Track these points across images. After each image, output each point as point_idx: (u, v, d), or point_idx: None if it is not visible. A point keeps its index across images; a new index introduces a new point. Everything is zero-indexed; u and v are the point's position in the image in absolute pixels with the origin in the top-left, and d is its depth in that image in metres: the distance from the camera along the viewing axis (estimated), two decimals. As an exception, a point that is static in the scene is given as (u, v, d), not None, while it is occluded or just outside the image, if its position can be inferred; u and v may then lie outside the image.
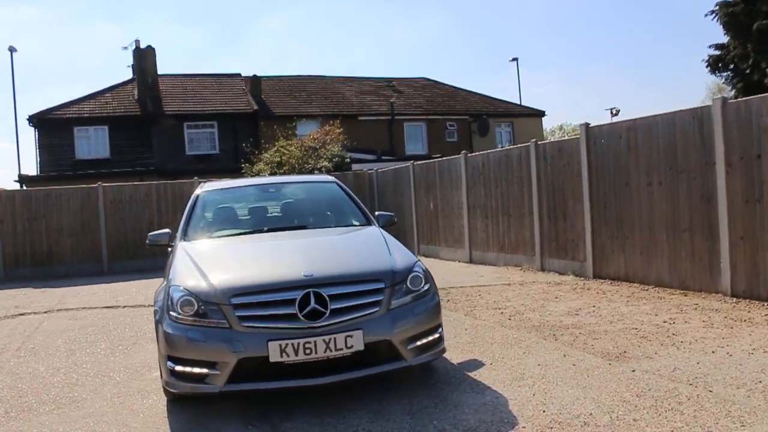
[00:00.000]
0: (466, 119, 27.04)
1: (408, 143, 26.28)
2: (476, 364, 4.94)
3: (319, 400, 4.30)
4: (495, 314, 6.70)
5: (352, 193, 6.24)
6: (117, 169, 22.42)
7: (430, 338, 4.42)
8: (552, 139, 9.38)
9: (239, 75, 27.57)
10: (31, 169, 25.30)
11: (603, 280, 8.19)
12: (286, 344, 3.98)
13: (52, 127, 23.09)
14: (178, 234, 5.56)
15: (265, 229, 5.61)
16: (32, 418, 4.48)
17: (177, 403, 4.52)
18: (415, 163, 13.24)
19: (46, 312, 9.09)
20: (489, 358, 5.09)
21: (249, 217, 5.98)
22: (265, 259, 4.76)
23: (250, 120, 24.45)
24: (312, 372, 4.09)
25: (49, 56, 78.17)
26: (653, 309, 6.40)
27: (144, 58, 24.24)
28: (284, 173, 16.01)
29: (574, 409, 3.84)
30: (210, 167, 23.00)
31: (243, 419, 4.13)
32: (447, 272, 10.22)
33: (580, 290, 7.76)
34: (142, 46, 24.35)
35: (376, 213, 6.04)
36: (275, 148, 17.35)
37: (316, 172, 15.57)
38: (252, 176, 16.80)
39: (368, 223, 5.73)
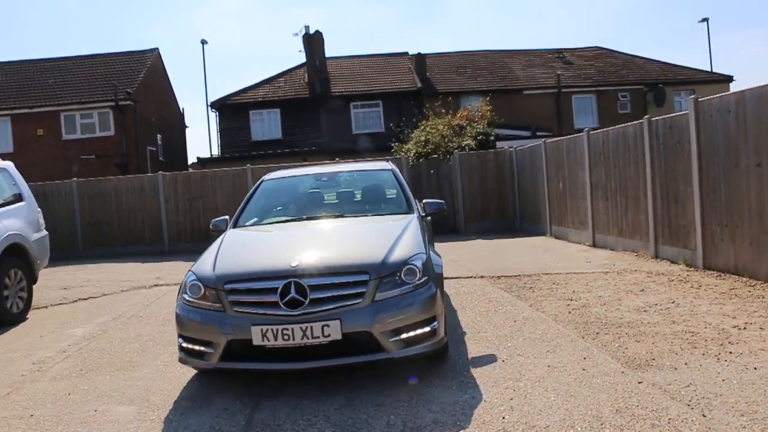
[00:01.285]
0: (640, 89, 24.97)
1: (577, 117, 24.94)
2: (488, 360, 4.74)
3: (312, 385, 4.45)
4: (560, 306, 6.30)
5: (404, 181, 6.21)
6: (288, 149, 24.08)
7: (419, 331, 4.34)
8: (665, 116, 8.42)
9: (406, 53, 28.02)
10: (213, 151, 28.01)
11: (711, 272, 7.27)
12: (267, 329, 4.18)
13: (231, 111, 25.37)
14: (231, 221, 5.99)
15: (304, 217, 5.83)
16: (93, 377, 5.17)
17: (202, 374, 4.92)
18: (546, 140, 12.63)
19: (176, 284, 10.21)
20: (508, 354, 4.85)
21: (295, 205, 6.23)
22: (272, 248, 5.00)
23: (414, 98, 24.77)
24: (292, 357, 4.26)
25: (239, 46, 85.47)
26: (736, 310, 5.61)
27: (312, 42, 25.62)
28: (428, 152, 16.12)
29: (536, 419, 3.59)
30: (376, 145, 23.77)
31: (235, 395, 4.43)
32: (559, 257, 9.72)
33: (675, 282, 6.99)
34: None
35: (425, 201, 5.98)
36: (421, 127, 17.52)
37: (456, 151, 15.47)
38: (402, 155, 17.16)
39: (408, 211, 5.70)
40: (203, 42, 31.20)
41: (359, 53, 29.17)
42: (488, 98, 18.89)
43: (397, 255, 4.54)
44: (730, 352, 4.46)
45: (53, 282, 11.01)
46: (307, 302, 4.22)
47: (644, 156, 8.62)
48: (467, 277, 8.40)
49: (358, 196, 6.36)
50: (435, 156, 15.64)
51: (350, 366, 4.39)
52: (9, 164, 8.51)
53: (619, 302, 6.28)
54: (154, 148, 25.41)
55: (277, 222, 5.81)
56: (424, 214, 5.88)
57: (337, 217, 5.79)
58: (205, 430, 3.91)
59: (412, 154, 16.56)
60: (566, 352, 4.78)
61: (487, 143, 16.36)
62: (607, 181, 9.90)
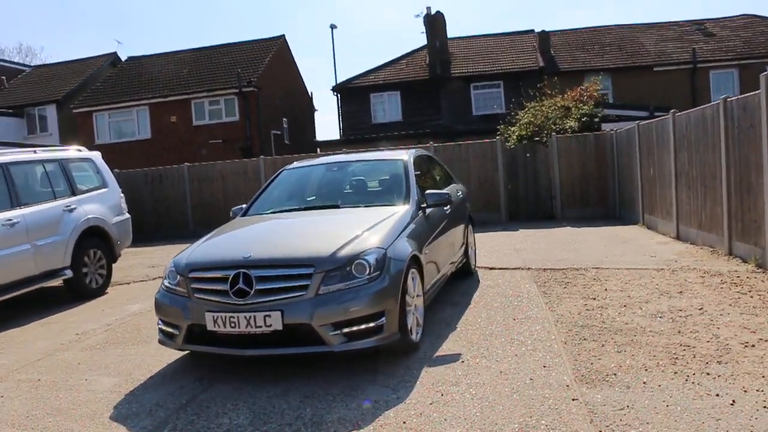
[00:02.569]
0: (795, 60, 22.14)
1: (715, 94, 22.64)
2: (449, 360, 4.60)
3: (266, 373, 4.60)
4: (575, 306, 5.90)
5: (412, 173, 6.09)
6: (408, 131, 24.22)
7: (363, 327, 4.33)
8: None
9: (531, 31, 27.00)
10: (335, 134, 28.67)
11: (778, 275, 6.44)
12: (217, 316, 4.39)
13: (352, 95, 25.94)
14: (243, 210, 6.26)
15: (302, 208, 5.95)
16: (110, 350, 5.71)
17: (191, 354, 5.23)
18: (640, 123, 11.68)
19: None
20: (474, 355, 4.67)
21: (301, 195, 6.36)
22: (239, 239, 5.21)
23: (536, 77, 23.84)
24: (240, 343, 4.43)
25: (368, 29, 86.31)
26: (766, 323, 4.95)
27: (434, 23, 25.44)
28: (530, 134, 15.53)
29: (433, 429, 3.47)
30: (496, 126, 23.24)
31: (199, 375, 4.71)
32: (631, 249, 9.03)
33: (725, 286, 6.25)
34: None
35: (427, 192, 5.85)
36: (526, 109, 16.87)
37: (554, 134, 14.77)
38: (504, 138, 16.69)
39: (404, 203, 5.62)
40: (332, 27, 32.08)
41: (483, 32, 28.52)
42: (596, 78, 17.67)
43: (350, 249, 4.53)
44: (708, 374, 3.97)
45: (148, 260, 12.06)
46: (252, 292, 4.36)
47: (720, 141, 7.74)
48: (513, 269, 8.09)
49: (361, 187, 6.36)
50: (537, 139, 15.04)
51: (297, 356, 4.48)
52: (95, 154, 9.41)
53: (642, 305, 5.77)
54: (279, 132, 26.68)
55: (274, 212, 5.96)
56: (425, 205, 5.76)
57: (332, 207, 5.85)
58: (152, 404, 4.20)
59: (514, 137, 16.05)
60: (533, 358, 4.51)
61: (591, 125, 15.42)
62: (689, 168, 9.01)
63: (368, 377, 4.36)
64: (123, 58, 30.16)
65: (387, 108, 25.82)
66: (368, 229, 4.91)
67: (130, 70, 27.71)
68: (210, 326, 4.44)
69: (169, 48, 31.15)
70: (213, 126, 24.60)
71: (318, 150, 23.59)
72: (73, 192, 8.53)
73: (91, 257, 8.62)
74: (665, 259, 8.02)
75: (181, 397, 4.32)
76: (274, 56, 26.69)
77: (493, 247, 10.16)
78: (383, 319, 4.38)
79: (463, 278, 7.51)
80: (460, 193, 7.66)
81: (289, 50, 29.31)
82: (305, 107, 31.37)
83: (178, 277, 4.76)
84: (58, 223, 8.06)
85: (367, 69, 26.94)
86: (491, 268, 8.25)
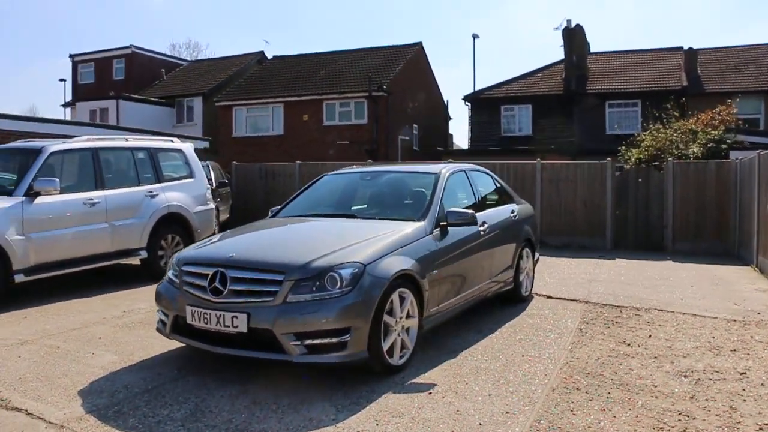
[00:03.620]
0: None
1: None
2: (421, 389, 4.37)
3: (243, 372, 4.64)
4: (600, 352, 5.34)
5: (440, 189, 5.86)
6: (537, 146, 23.46)
7: (326, 340, 4.24)
8: None
9: (680, 48, 25.08)
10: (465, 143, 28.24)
11: None
12: (195, 311, 4.52)
13: (483, 105, 25.54)
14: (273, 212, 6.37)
15: (320, 214, 5.91)
16: (131, 330, 6.06)
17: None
18: (761, 152, 10.38)
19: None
20: (447, 389, 4.38)
21: (328, 202, 6.32)
22: (237, 240, 5.27)
23: (677, 98, 22.15)
24: (212, 340, 4.50)
25: (511, 40, 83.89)
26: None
27: (572, 37, 24.44)
28: (649, 158, 14.44)
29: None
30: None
31: (182, 364, 4.86)
32: (717, 294, 8.03)
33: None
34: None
35: (449, 210, 5.59)
36: (648, 131, 15.67)
37: (671, 159, 13.60)
38: (624, 161, 15.67)
39: (419, 219, 5.43)
40: (474, 36, 31.91)
41: (626, 48, 26.94)
42: (731, 101, 15.89)
43: (326, 261, 4.44)
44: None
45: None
46: (225, 292, 4.41)
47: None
48: (571, 300, 7.52)
49: (383, 198, 6.22)
50: (656, 163, 13.93)
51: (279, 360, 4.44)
52: (187, 146, 10.01)
53: (677, 359, 5.11)
54: (407, 138, 26.90)
55: (296, 216, 5.99)
56: (444, 223, 5.51)
57: (347, 217, 5.79)
58: (121, 386, 4.42)
59: (633, 159, 15.00)
60: (503, 401, 4.15)
61: (718, 152, 13.98)
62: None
63: (327, 392, 4.25)
64: (270, 57, 31.92)
65: (517, 121, 25.17)
66: (360, 242, 4.79)
67: (272, 69, 29.29)
68: (189, 319, 4.56)
69: (312, 49, 32.76)
70: (342, 127, 25.32)
71: (440, 159, 23.45)
72: (158, 179, 9.11)
73: (169, 242, 9.16)
74: (748, 309, 7.07)
75: (149, 383, 4.47)
76: (408, 63, 26.96)
77: (569, 275, 9.53)
78: (348, 335, 4.24)
79: (509, 305, 7.10)
80: (515, 213, 7.24)
81: (426, 58, 29.47)
82: (439, 115, 31.39)
83: (176, 269, 4.91)
84: (138, 207, 8.64)
85: (501, 80, 26.44)
86: (549, 297, 7.73)
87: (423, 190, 5.97)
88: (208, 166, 14.82)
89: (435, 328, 5.64)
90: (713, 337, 5.81)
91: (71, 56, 34.65)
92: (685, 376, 4.68)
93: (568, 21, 24.70)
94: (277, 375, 4.57)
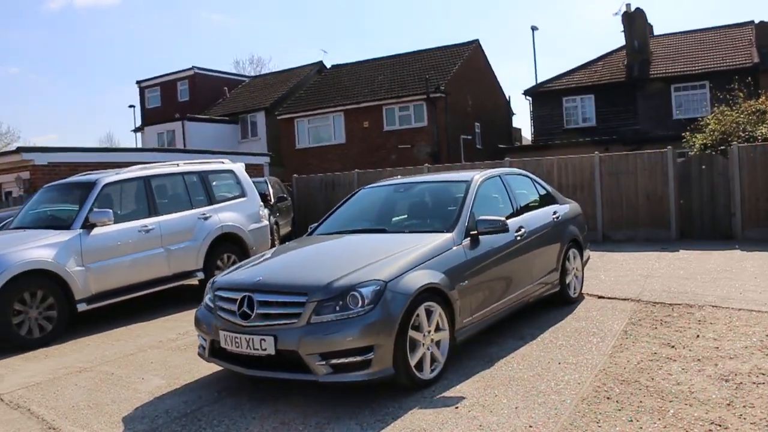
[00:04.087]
0: None
1: None
2: (444, 403, 4.37)
3: (276, 394, 4.79)
4: (641, 355, 5.17)
5: (470, 198, 5.83)
6: (602, 136, 22.85)
7: (349, 360, 4.31)
8: None
9: (750, 23, 23.81)
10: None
11: None
12: (227, 335, 4.69)
13: (544, 98, 25.06)
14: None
15: (352, 231, 5.98)
16: (181, 353, 6.30)
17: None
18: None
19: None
20: (475, 402, 4.36)
21: (361, 217, 6.39)
22: (267, 262, 5.38)
23: (747, 75, 21.06)
24: (244, 362, 4.66)
25: (572, 30, 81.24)
26: None
27: (633, 21, 23.63)
28: (714, 143, 13.81)
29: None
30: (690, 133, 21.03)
31: (223, 387, 5.05)
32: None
33: None
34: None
35: (479, 218, 5.55)
36: (712, 115, 14.96)
37: (736, 143, 12.95)
38: (688, 148, 15.07)
39: (448, 230, 5.43)
40: (533, 28, 31.40)
41: (691, 28, 25.78)
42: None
43: (348, 280, 4.52)
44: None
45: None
46: (253, 315, 4.56)
47: None
48: (622, 299, 7.30)
49: (414, 211, 6.24)
50: (722, 148, 13.30)
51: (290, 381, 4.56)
52: (237, 166, 10.32)
53: (722, 361, 4.89)
54: (469, 137, 26.71)
55: (330, 234, 6.09)
56: (475, 233, 5.48)
57: (379, 232, 5.85)
58: (162, 410, 4.64)
59: (698, 145, 14.37)
60: (529, 414, 4.10)
61: (792, 133, 13.20)
62: None
63: (356, 410, 4.32)
64: (329, 66, 32.42)
65: (580, 112, 24.60)
66: (385, 258, 4.84)
67: (330, 78, 29.74)
68: (222, 343, 4.73)
69: (371, 55, 32.95)
70: (402, 131, 25.42)
71: (505, 157, 23.22)
72: (211, 201, 9.45)
73: (225, 261, 9.47)
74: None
75: (189, 407, 4.67)
76: (465, 61, 26.78)
77: (626, 271, 9.24)
78: (371, 353, 4.30)
79: (556, 308, 6.97)
80: (557, 215, 7.10)
81: (484, 55, 29.18)
82: (501, 111, 31.00)
83: (211, 294, 5.10)
84: (192, 229, 8.99)
85: (561, 71, 25.89)
86: (600, 297, 7.54)
87: (453, 200, 5.95)
88: (266, 181, 15.26)
89: (472, 337, 5.63)
90: (767, 335, 5.52)
91: (138, 82, 36.34)
92: (726, 380, 4.48)
93: (627, 5, 23.93)
94: (310, 394, 4.67)
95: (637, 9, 23.71)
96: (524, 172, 7.50)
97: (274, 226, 13.87)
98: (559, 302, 7.09)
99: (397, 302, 4.45)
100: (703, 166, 12.82)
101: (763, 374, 4.57)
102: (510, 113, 32.26)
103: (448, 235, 5.35)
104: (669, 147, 13.17)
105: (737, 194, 12.36)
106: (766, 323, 5.93)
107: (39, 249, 7.27)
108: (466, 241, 5.41)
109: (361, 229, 6.00)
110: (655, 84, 22.94)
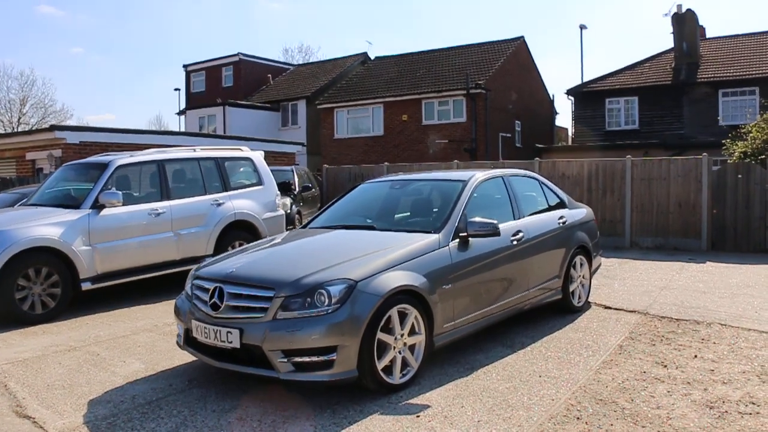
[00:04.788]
0: None
1: None
2: (407, 410, 4.24)
3: (243, 386, 4.73)
4: (628, 373, 4.91)
5: (464, 198, 5.64)
6: (645, 140, 22.16)
7: (315, 358, 4.22)
8: None
9: (811, 27, 22.67)
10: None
11: None
12: (198, 325, 4.67)
13: (587, 99, 24.42)
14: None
15: (343, 225, 5.86)
16: (170, 339, 6.31)
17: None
18: None
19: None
20: (437, 413, 4.22)
21: (354, 212, 6.26)
22: (245, 254, 5.30)
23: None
24: (212, 354, 4.61)
25: (620, 30, 78.73)
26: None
27: (683, 23, 22.76)
28: (756, 151, 13.20)
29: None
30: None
31: (195, 376, 5.01)
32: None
33: None
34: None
35: (470, 220, 5.36)
36: (755, 122, 14.27)
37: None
38: (728, 155, 14.48)
39: (435, 231, 5.27)
40: (582, 27, 30.65)
41: (746, 31, 24.70)
42: None
43: (317, 277, 4.42)
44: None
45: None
46: (222, 307, 4.51)
47: None
48: (628, 311, 7.00)
49: (406, 208, 6.07)
50: (762, 157, 12.71)
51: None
52: (256, 155, 10.31)
53: (713, 386, 4.61)
54: (508, 135, 26.28)
55: (320, 228, 6.00)
56: (465, 235, 5.30)
57: (366, 228, 5.72)
58: (130, 396, 4.64)
59: (737, 153, 13.77)
60: (490, 429, 3.93)
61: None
62: None
63: (317, 410, 4.24)
64: (373, 57, 32.30)
65: (623, 114, 23.88)
66: (362, 257, 4.72)
67: (372, 70, 29.63)
68: (193, 333, 4.69)
69: (417, 48, 32.31)
70: (441, 126, 25.15)
71: (538, 157, 22.75)
72: (225, 188, 9.47)
73: (236, 247, 9.47)
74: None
75: (155, 394, 4.66)
76: (508, 58, 26.32)
77: (643, 281, 8.89)
78: (334, 354, 4.19)
79: (557, 316, 6.74)
80: (564, 220, 6.85)
81: (528, 52, 28.63)
82: (544, 110, 30.41)
83: (190, 283, 5.07)
84: (204, 215, 9.03)
85: (608, 72, 25.17)
86: (607, 307, 7.26)
87: (447, 199, 5.78)
88: (292, 170, 15.27)
89: (460, 342, 5.48)
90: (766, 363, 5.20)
91: (184, 66, 36.91)
92: (711, 408, 4.22)
93: (678, 6, 23.07)
94: (279, 390, 4.60)
95: (688, 10, 22.82)
96: (533, 174, 7.25)
97: (296, 216, 13.88)
98: (562, 310, 6.86)
99: (366, 303, 4.33)
100: (740, 176, 12.26)
101: (754, 404, 4.29)
102: (553, 112, 31.62)
103: (434, 236, 5.19)
104: (704, 154, 12.64)
105: (774, 207, 11.79)
106: (773, 348, 5.59)
107: (46, 227, 7.39)
108: (454, 243, 5.24)
109: (350, 225, 5.88)
110: (702, 88, 22.09)
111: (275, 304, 4.32)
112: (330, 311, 4.24)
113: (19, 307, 7.06)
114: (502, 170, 6.70)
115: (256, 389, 4.64)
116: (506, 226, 5.86)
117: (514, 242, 5.89)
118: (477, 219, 5.37)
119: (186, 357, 5.51)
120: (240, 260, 5.07)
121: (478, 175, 6.10)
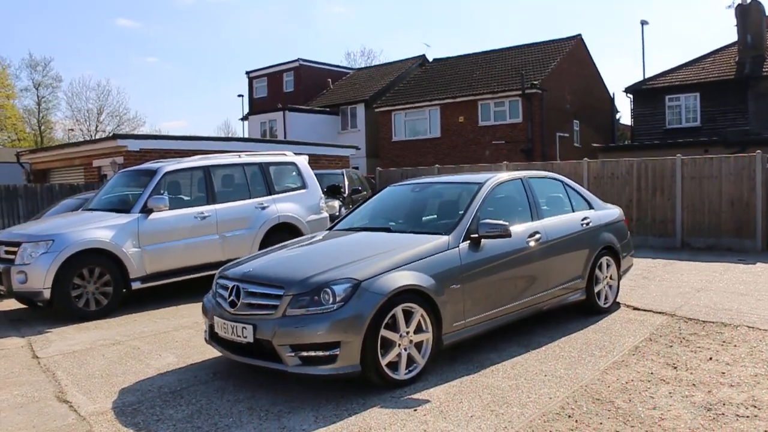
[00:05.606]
0: None
1: None
2: (407, 404, 4.44)
3: (260, 379, 5.07)
4: (637, 374, 4.95)
5: (478, 201, 5.78)
6: (708, 137, 21.46)
7: (320, 353, 4.50)
8: None
9: None
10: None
11: None
12: (219, 321, 5.04)
13: (646, 96, 23.81)
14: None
15: (364, 227, 6.13)
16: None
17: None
18: None
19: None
20: (434, 408, 4.39)
21: (375, 215, 6.49)
22: (271, 255, 5.62)
23: None
24: (231, 348, 4.96)
25: (682, 24, 75.12)
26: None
27: (747, 15, 21.86)
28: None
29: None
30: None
31: (220, 369, 5.38)
32: None
33: None
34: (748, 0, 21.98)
35: (481, 222, 5.52)
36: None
37: None
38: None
39: (446, 233, 5.45)
40: (643, 23, 29.87)
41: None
42: None
43: (324, 276, 4.69)
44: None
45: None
46: (239, 305, 4.85)
47: None
48: (657, 312, 6.97)
49: (423, 211, 6.28)
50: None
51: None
52: (300, 159, 10.70)
53: (720, 388, 4.61)
54: (566, 134, 25.93)
55: (341, 230, 6.27)
56: (476, 236, 5.47)
57: (383, 230, 5.95)
58: (158, 386, 5.05)
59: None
60: (479, 425, 4.09)
61: None
62: None
63: (322, 402, 4.50)
64: (431, 60, 32.46)
65: (684, 111, 23.17)
66: (370, 257, 4.96)
67: (429, 72, 29.81)
68: (216, 328, 5.06)
69: (474, 49, 32.17)
70: (497, 127, 25.10)
71: (596, 156, 22.35)
72: (270, 192, 9.90)
73: (279, 249, 9.91)
74: None
75: (180, 384, 5.05)
76: (565, 57, 25.99)
77: (682, 282, 8.76)
78: (337, 349, 4.45)
79: (581, 316, 6.79)
80: (587, 221, 6.88)
81: (586, 50, 28.17)
82: (604, 109, 29.80)
83: (215, 282, 5.45)
84: (249, 218, 9.48)
85: (668, 68, 24.50)
86: (636, 308, 7.24)
87: (461, 201, 5.95)
88: (342, 173, 15.65)
89: (475, 341, 5.66)
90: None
91: (247, 73, 38.09)
92: (709, 410, 4.24)
93: (744, -3, 22.20)
94: (293, 383, 4.89)
95: (753, 1, 21.91)
96: (557, 176, 7.30)
97: (344, 218, 14.22)
98: (587, 311, 6.90)
99: (369, 301, 4.56)
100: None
101: (755, 406, 4.28)
102: (614, 110, 30.93)
103: (444, 238, 5.37)
104: (758, 151, 12.23)
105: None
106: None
107: (100, 230, 7.98)
108: (464, 244, 5.40)
109: (370, 227, 6.14)
110: (766, 83, 21.19)
111: (285, 302, 4.62)
112: (334, 309, 4.51)
113: (75, 304, 7.66)
114: (525, 172, 6.80)
115: (272, 382, 4.95)
116: (522, 228, 5.99)
117: (531, 243, 5.99)
118: (488, 221, 5.52)
119: (216, 352, 5.89)
120: (259, 261, 5.41)
121: (495, 178, 6.24)
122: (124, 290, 8.13)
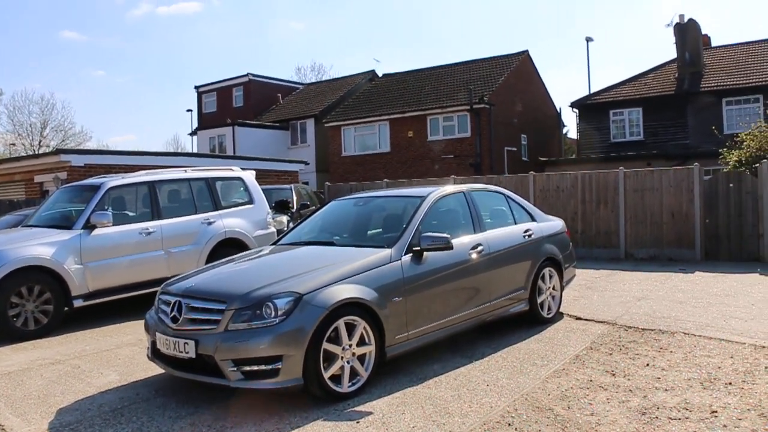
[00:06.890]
0: None
1: None
2: (349, 417, 4.45)
3: (205, 394, 5.00)
4: (575, 382, 5.10)
5: (420, 214, 5.86)
6: (650, 151, 22.21)
7: (263, 367, 4.48)
8: None
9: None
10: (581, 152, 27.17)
11: None
12: (161, 337, 4.96)
13: (591, 111, 24.53)
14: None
15: (308, 241, 6.15)
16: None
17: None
18: None
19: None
20: (376, 420, 4.43)
21: (318, 229, 6.53)
22: (213, 270, 5.58)
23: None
24: (173, 364, 4.89)
25: (624, 41, 78.38)
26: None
27: (685, 33, 22.84)
28: (750, 160, 13.28)
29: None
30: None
31: (162, 386, 5.28)
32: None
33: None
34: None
35: (423, 235, 5.59)
36: (748, 131, 14.33)
37: (765, 161, 12.38)
38: (723, 164, 14.56)
39: (388, 246, 5.50)
40: (588, 39, 30.82)
41: (749, 39, 24.68)
42: None
43: (266, 290, 4.69)
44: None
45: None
46: (181, 320, 4.80)
47: None
48: (598, 321, 7.17)
49: (366, 225, 6.35)
50: (757, 165, 12.77)
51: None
52: (246, 174, 10.64)
53: (656, 392, 4.77)
54: (514, 149, 26.44)
55: (285, 244, 6.29)
56: (418, 248, 5.53)
57: (326, 244, 5.98)
58: (98, 404, 4.93)
59: (731, 163, 13.85)
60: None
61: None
62: None
63: (264, 417, 4.47)
64: (380, 75, 32.73)
65: (627, 126, 23.96)
66: (312, 271, 4.98)
67: (379, 87, 30.04)
68: (158, 345, 4.98)
69: (424, 65, 32.54)
70: (446, 141, 25.42)
71: (542, 170, 22.84)
72: (216, 207, 9.81)
73: (226, 264, 9.80)
74: (792, 336, 6.38)
75: (121, 403, 4.95)
76: (513, 72, 26.56)
77: (623, 292, 9.03)
78: (279, 363, 4.45)
79: (525, 327, 6.93)
80: (529, 233, 7.05)
81: (533, 66, 28.84)
82: (550, 124, 30.53)
83: (158, 297, 5.37)
84: (195, 233, 9.36)
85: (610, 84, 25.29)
86: (577, 318, 7.42)
87: (403, 215, 6.03)
88: (291, 188, 15.62)
89: (417, 353, 5.70)
90: (719, 368, 5.34)
91: (196, 87, 37.70)
92: (643, 414, 4.38)
93: (681, 16, 23.17)
94: (238, 398, 4.85)
95: (690, 20, 22.90)
96: (499, 189, 7.47)
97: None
98: (531, 322, 7.04)
99: (311, 314, 4.57)
100: (731, 185, 12.33)
101: (686, 409, 4.45)
102: (560, 125, 31.72)
103: (386, 251, 5.42)
104: (696, 164, 12.74)
105: (766, 214, 11.84)
106: (727, 354, 5.73)
107: (40, 246, 7.76)
108: (406, 258, 5.46)
109: (314, 241, 6.16)
110: (706, 97, 22.10)
111: (227, 317, 4.60)
112: (276, 322, 4.50)
113: (13, 323, 7.42)
114: (468, 185, 6.93)
115: (215, 398, 4.90)
116: (464, 240, 6.10)
117: (473, 255, 6.10)
118: (430, 233, 5.61)
119: (159, 369, 5.79)
120: (202, 276, 5.36)
121: (438, 191, 6.34)
122: (66, 308, 7.92)
